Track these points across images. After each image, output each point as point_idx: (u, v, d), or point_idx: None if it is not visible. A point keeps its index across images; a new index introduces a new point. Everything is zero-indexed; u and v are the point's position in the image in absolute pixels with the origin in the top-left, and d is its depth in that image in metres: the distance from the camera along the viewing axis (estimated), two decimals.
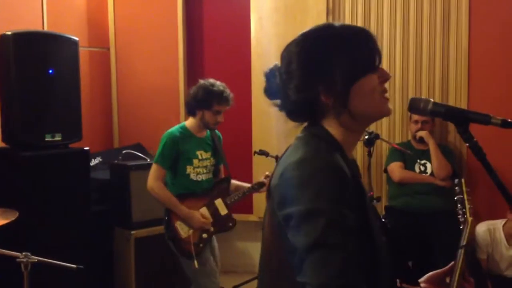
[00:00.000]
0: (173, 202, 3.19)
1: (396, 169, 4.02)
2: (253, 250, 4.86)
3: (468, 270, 1.60)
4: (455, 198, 2.17)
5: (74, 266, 2.62)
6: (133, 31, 4.75)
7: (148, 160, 4.08)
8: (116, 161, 4.09)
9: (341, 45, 1.25)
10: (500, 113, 1.31)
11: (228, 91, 3.26)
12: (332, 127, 1.27)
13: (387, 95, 1.28)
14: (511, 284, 3.72)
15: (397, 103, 4.25)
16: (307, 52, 1.26)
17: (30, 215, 3.10)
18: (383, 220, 1.41)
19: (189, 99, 3.31)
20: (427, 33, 4.16)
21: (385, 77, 1.27)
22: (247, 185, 3.55)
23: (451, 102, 4.07)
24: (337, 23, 1.30)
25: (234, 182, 3.49)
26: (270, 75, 1.33)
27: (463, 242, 1.62)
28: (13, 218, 2.54)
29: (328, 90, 1.24)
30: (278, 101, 1.33)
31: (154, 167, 3.21)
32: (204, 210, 3.29)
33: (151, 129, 4.62)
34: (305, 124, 1.33)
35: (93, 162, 4.12)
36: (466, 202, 1.91)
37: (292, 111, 1.31)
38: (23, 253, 2.48)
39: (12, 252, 2.48)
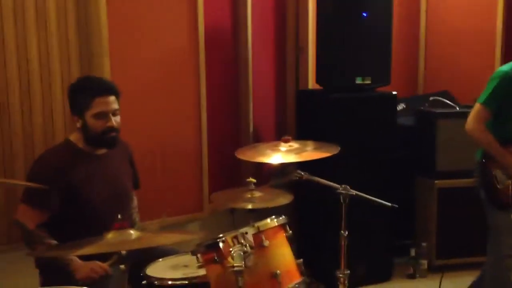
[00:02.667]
0: (496, 147, 2.86)
1: None
2: None
3: None
4: None
5: (389, 204, 2.63)
6: None
7: (457, 108, 3.84)
8: (422, 108, 3.97)
9: None
10: None
11: None
12: None
13: None
14: None
15: None
16: None
17: (347, 152, 3.22)
18: None
19: None
20: None
21: None
22: None
23: None
24: None
25: None
26: None
27: None
28: (334, 152, 2.67)
29: None
30: None
31: (478, 107, 2.89)
32: None
33: (460, 76, 4.33)
34: None
35: (398, 107, 4.07)
36: None
37: None
38: (342, 186, 2.59)
39: (333, 184, 2.61)
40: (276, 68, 3.82)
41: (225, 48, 3.44)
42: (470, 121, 2.90)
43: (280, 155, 2.63)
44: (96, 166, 2.43)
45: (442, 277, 3.30)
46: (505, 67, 2.90)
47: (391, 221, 3.55)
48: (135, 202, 2.70)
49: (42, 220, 2.33)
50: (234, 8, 3.47)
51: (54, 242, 2.29)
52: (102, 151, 2.47)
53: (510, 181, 2.89)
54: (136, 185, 2.70)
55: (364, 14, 3.49)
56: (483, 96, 2.88)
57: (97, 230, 1.90)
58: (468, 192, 3.55)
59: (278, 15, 3.82)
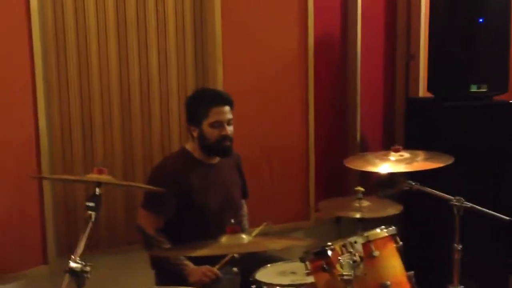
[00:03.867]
0: None
1: None
2: None
3: None
4: None
5: (507, 218, 2.51)
6: None
7: None
8: None
9: None
10: None
11: None
12: None
13: None
14: None
15: None
16: None
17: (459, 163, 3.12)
18: None
19: None
20: None
21: None
22: None
23: None
24: None
25: None
26: None
27: None
28: (449, 162, 2.59)
29: None
30: None
31: None
32: None
33: None
34: None
35: None
36: None
37: None
38: (456, 197, 2.51)
39: (446, 195, 2.54)
40: (385, 76, 3.78)
41: (333, 54, 3.47)
42: None
43: (389, 164, 2.60)
44: (210, 174, 2.55)
45: None
46: None
47: (508, 236, 3.37)
48: (245, 209, 2.79)
49: (160, 225, 2.47)
50: (344, 13, 3.48)
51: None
52: (215, 160, 2.58)
53: None
54: (245, 194, 2.78)
55: (481, 20, 3.36)
56: None
57: (210, 236, 1.97)
58: None
59: (389, 21, 3.78)
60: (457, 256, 2.48)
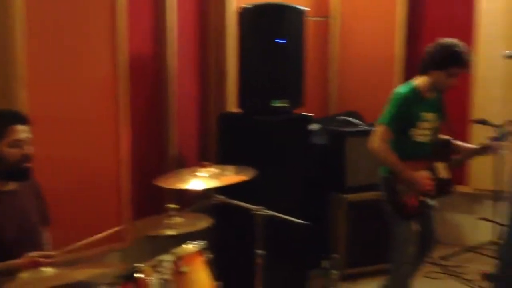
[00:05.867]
0: (398, 164, 3.13)
1: None
2: (464, 222, 4.74)
3: None
4: None
5: (304, 222, 2.85)
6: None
7: (364, 127, 4.17)
8: (332, 127, 4.25)
9: None
10: None
11: (469, 54, 3.12)
12: None
13: None
14: None
15: None
16: None
17: (261, 174, 3.39)
18: None
19: (425, 57, 3.16)
20: None
21: None
22: (471, 146, 3.40)
23: None
24: None
25: (455, 142, 3.38)
26: None
27: None
28: (252, 176, 2.84)
29: None
30: None
31: (381, 127, 3.12)
32: (424, 174, 3.22)
33: (367, 97, 4.70)
34: None
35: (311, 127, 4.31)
36: None
37: None
38: (258, 207, 2.78)
39: (249, 205, 2.79)
40: (199, 92, 3.91)
41: (148, 74, 3.49)
42: (374, 140, 3.13)
43: (200, 180, 2.72)
44: (5, 202, 2.36)
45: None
46: (401, 89, 3.20)
47: (306, 237, 3.72)
48: (46, 237, 2.59)
49: None
50: (157, 32, 3.52)
51: None
52: (10, 187, 2.40)
53: (411, 194, 3.20)
54: (45, 221, 2.58)
55: (281, 41, 3.62)
56: (384, 116, 3.13)
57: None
58: (375, 204, 3.89)
59: (200, 41, 3.92)
60: (260, 261, 2.76)
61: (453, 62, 3.07)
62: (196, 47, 3.91)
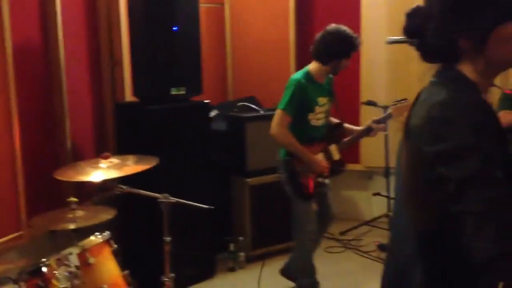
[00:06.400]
0: (298, 147, 3.27)
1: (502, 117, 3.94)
2: (359, 198, 5.03)
3: None
4: None
5: (206, 206, 2.89)
6: None
7: (262, 112, 4.26)
8: (232, 113, 4.31)
9: None
10: None
11: (358, 37, 3.32)
12: (466, 70, 1.30)
13: None
14: None
15: None
16: None
17: (164, 162, 3.36)
18: None
19: (321, 48, 3.27)
20: None
21: None
22: (359, 128, 3.62)
23: None
24: None
25: (345, 125, 3.60)
26: (410, 15, 1.37)
27: None
28: (154, 164, 2.83)
29: (467, 34, 1.26)
30: (414, 41, 1.35)
31: (279, 113, 3.23)
32: (320, 156, 3.41)
33: (263, 83, 4.81)
34: (438, 67, 1.35)
35: (211, 114, 4.35)
36: None
37: (429, 53, 1.35)
38: (163, 195, 2.78)
39: (153, 194, 2.79)
40: (91, 83, 3.80)
41: (36, 65, 3.34)
42: (274, 126, 3.25)
43: (101, 172, 2.69)
44: None
45: (263, 265, 3.68)
46: (297, 75, 3.33)
47: (211, 221, 3.81)
48: None
49: None
50: (44, 23, 3.39)
51: None
52: None
53: (309, 175, 3.35)
54: None
55: (175, 28, 3.62)
56: (282, 102, 3.25)
57: None
58: (276, 186, 4.02)
59: (91, 29, 3.80)
60: (167, 248, 2.76)
61: (350, 49, 3.26)
62: (87, 36, 3.78)
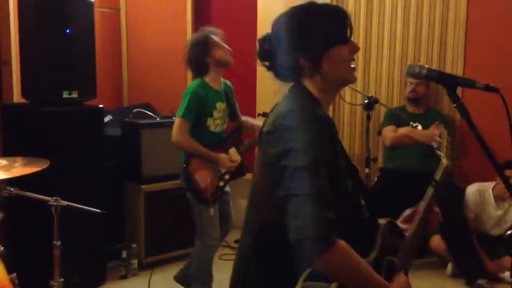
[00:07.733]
0: (202, 150, 3.31)
1: (387, 134, 4.30)
2: None
3: (439, 207, 1.78)
4: (435, 146, 2.30)
5: (99, 211, 2.84)
6: None
7: (158, 119, 4.26)
8: (127, 119, 4.26)
9: (319, 20, 1.53)
10: (493, 81, 1.53)
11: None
12: (310, 87, 1.56)
13: (353, 64, 1.57)
14: (495, 241, 4.01)
15: (396, 69, 4.49)
16: (292, 23, 1.54)
17: (55, 165, 3.25)
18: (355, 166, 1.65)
19: (192, 60, 3.36)
20: (428, 3, 4.36)
21: (354, 48, 1.56)
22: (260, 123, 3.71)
23: (448, 70, 4.28)
24: (320, 1, 1.59)
25: (250, 121, 3.66)
26: (262, 41, 1.62)
27: (435, 179, 1.76)
28: (44, 167, 2.73)
29: (305, 55, 1.52)
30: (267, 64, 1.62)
31: (179, 121, 3.25)
32: (225, 156, 3.41)
33: (159, 90, 4.81)
34: (292, 84, 1.61)
35: (105, 119, 4.27)
36: (444, 146, 1.97)
37: (279, 72, 1.60)
38: (53, 198, 2.70)
39: (44, 197, 2.69)
40: None
41: None
42: (175, 134, 3.26)
43: None
44: None
45: (152, 273, 3.62)
46: (193, 84, 3.38)
47: (103, 227, 3.72)
48: None
49: None
50: None
51: None
52: None
53: (209, 181, 3.38)
54: None
55: (68, 30, 3.55)
56: (181, 110, 3.28)
57: None
58: (171, 193, 4.02)
59: None
60: (56, 252, 2.67)
61: (204, 50, 3.34)
62: None
